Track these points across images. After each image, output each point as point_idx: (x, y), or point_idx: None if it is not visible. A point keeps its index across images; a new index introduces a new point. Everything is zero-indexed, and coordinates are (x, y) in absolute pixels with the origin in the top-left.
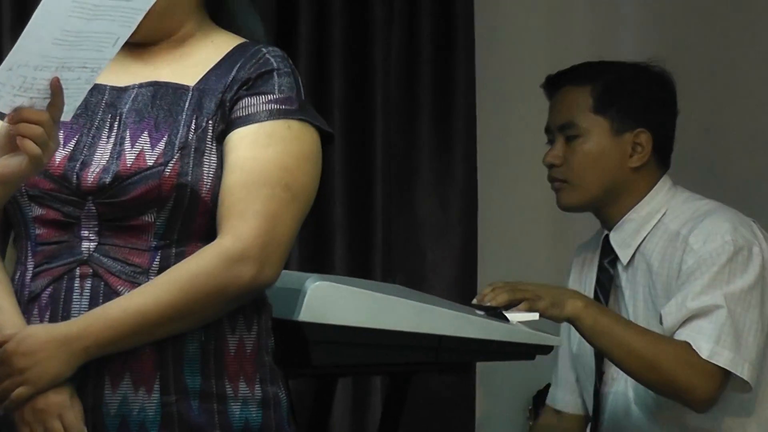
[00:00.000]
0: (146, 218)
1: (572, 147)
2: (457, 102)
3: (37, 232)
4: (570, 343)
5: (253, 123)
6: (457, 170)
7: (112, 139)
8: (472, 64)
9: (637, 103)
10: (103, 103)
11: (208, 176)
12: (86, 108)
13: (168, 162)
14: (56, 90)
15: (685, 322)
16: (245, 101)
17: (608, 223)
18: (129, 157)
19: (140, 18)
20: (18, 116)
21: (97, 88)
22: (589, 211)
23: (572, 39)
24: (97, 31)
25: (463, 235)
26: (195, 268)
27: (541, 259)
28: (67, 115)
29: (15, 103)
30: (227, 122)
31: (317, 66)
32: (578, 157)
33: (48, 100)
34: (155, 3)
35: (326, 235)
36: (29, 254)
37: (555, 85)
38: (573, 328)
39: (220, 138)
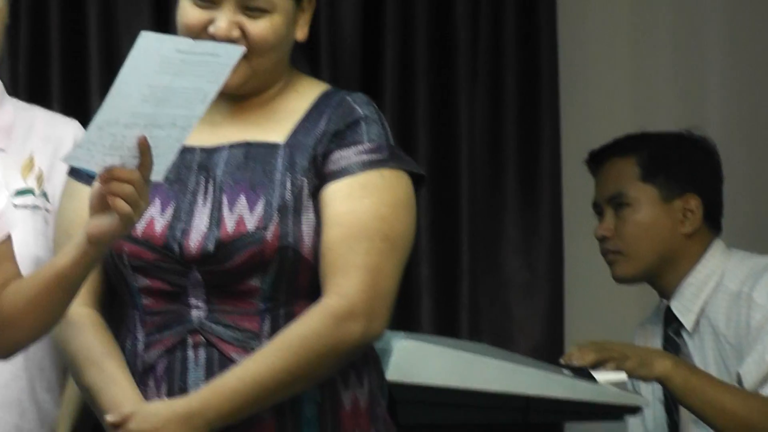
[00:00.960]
0: (252, 282)
1: (623, 218)
2: (542, 160)
3: (145, 302)
4: (644, 422)
5: (346, 176)
6: (543, 228)
7: (208, 204)
8: (557, 123)
9: (683, 169)
10: (194, 165)
11: (308, 234)
12: (179, 172)
13: (268, 225)
14: (144, 149)
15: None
16: (337, 154)
17: (666, 292)
18: (229, 222)
19: (228, 73)
20: (109, 175)
21: (187, 150)
22: (645, 281)
23: (658, 99)
24: (185, 87)
25: (549, 293)
26: (305, 331)
27: (629, 319)
28: (158, 174)
29: (106, 162)
30: (321, 177)
31: (402, 125)
32: (630, 227)
33: (138, 159)
34: (265, 61)
35: (413, 293)
36: (138, 324)
37: (599, 159)
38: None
39: (315, 193)
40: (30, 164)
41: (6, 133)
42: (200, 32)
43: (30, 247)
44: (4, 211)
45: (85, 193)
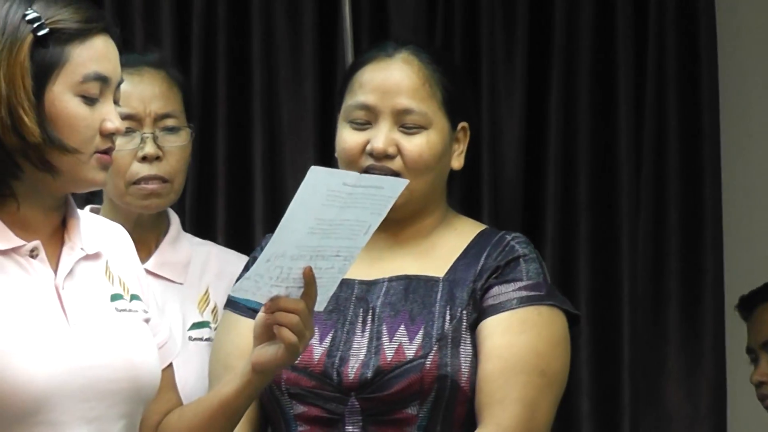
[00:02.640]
0: (409, 411)
1: None
2: (705, 293)
3: (300, 429)
4: None
5: (505, 311)
6: (706, 362)
7: (367, 334)
8: (720, 256)
9: None
10: (353, 297)
11: (465, 365)
12: (337, 303)
13: (427, 354)
14: (309, 280)
15: None
16: (496, 289)
17: None
18: (388, 351)
19: (390, 205)
20: (275, 306)
21: (345, 283)
22: None
23: None
24: (349, 219)
25: (712, 429)
26: None
27: None
28: (321, 305)
29: (272, 293)
30: (479, 311)
31: (564, 256)
32: None
33: (303, 290)
34: (421, 182)
35: (573, 427)
36: None
37: (750, 304)
38: None
39: (473, 326)
40: (206, 298)
41: (184, 268)
42: (359, 154)
43: (204, 381)
44: (167, 340)
45: (242, 324)
